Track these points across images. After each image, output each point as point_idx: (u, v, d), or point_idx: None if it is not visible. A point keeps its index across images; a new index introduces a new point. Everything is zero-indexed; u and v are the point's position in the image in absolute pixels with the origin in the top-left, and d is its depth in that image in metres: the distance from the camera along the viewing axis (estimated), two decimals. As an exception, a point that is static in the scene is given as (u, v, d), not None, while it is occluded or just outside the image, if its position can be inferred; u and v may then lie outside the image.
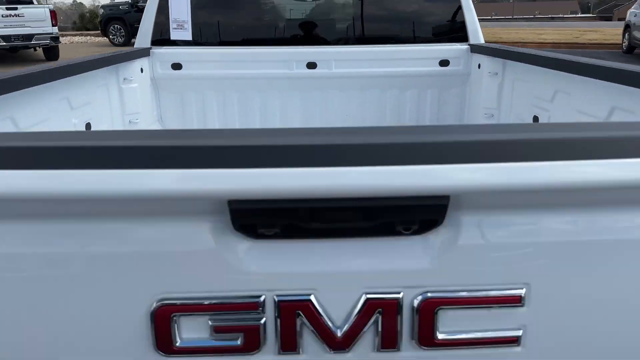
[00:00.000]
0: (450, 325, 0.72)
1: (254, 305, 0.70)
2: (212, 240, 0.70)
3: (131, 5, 19.31)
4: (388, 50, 2.75)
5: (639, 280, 0.70)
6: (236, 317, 0.70)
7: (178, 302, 0.69)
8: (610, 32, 20.79)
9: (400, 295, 0.70)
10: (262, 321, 0.71)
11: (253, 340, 0.71)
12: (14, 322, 0.68)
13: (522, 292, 0.70)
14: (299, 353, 0.73)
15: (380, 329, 0.72)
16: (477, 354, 0.73)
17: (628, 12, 15.35)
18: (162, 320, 0.70)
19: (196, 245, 0.71)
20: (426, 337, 0.72)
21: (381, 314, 0.71)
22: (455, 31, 2.86)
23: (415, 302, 0.71)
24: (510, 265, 0.71)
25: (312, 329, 0.72)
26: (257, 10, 3.19)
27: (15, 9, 13.39)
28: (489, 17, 58.13)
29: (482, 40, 2.83)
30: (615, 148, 0.71)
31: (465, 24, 2.80)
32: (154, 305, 0.70)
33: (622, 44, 15.65)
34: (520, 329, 0.73)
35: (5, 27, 13.20)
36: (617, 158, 0.67)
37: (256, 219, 0.67)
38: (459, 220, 0.72)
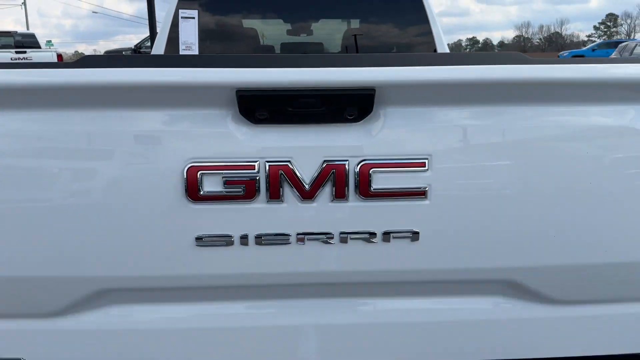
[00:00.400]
0: (380, 182, 1.06)
1: (252, 167, 1.05)
2: (226, 123, 1.06)
3: (134, 50, 20.06)
4: None
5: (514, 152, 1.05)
6: (240, 174, 1.04)
7: (202, 164, 1.04)
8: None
9: (347, 162, 1.06)
10: (257, 178, 1.05)
11: (251, 190, 1.05)
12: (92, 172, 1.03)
13: (426, 161, 1.06)
14: (281, 201, 1.07)
15: (334, 185, 1.07)
16: (398, 203, 1.08)
17: (607, 59, 16.20)
18: (191, 177, 1.04)
19: (216, 127, 1.06)
20: (364, 190, 1.06)
21: (334, 174, 1.06)
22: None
23: (357, 167, 1.06)
24: (419, 142, 1.07)
25: (290, 184, 1.06)
26: (253, 42, 3.67)
27: (24, 52, 14.06)
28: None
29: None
30: (494, 58, 1.11)
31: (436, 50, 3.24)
32: (187, 166, 1.04)
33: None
34: (426, 186, 1.08)
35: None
36: (500, 64, 1.05)
37: (254, 104, 1.02)
38: (385, 111, 1.08)
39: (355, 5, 3.37)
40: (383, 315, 1.17)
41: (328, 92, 1.01)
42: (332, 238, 1.07)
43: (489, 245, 1.10)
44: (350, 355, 1.18)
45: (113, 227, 1.06)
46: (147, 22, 10.03)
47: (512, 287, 1.14)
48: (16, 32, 16.63)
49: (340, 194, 1.06)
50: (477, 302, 1.16)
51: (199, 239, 1.06)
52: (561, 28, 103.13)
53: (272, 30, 4.03)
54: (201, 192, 1.04)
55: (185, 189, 1.04)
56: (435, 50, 3.16)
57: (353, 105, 1.03)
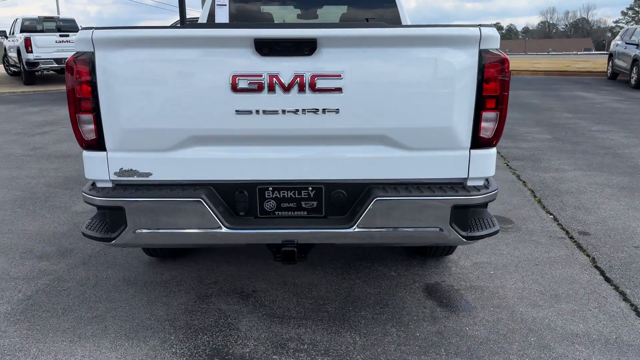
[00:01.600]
0: (320, 84, 2.17)
1: (260, 76, 2.19)
2: (250, 55, 2.18)
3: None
4: None
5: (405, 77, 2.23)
6: (256, 80, 2.18)
7: (239, 74, 2.20)
8: (600, 61, 22.28)
9: (304, 74, 2.20)
10: (263, 82, 2.20)
11: (260, 87, 2.16)
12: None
13: (342, 73, 2.22)
14: (274, 93, 2.21)
15: (299, 86, 2.19)
16: (329, 94, 2.23)
17: (612, 43, 16.92)
18: (233, 80, 2.21)
19: (245, 57, 2.19)
20: (313, 88, 2.18)
21: (299, 80, 2.20)
22: None
23: (309, 77, 2.20)
24: (339, 65, 2.18)
25: (278, 85, 2.16)
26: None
27: (67, 35, 15.45)
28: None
29: None
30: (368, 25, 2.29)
31: None
32: (231, 74, 2.22)
33: (607, 72, 17.16)
34: (341, 86, 2.22)
35: (58, 51, 15.24)
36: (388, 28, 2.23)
37: (262, 45, 2.16)
38: (322, 50, 2.19)
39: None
40: (321, 152, 2.36)
41: (296, 39, 2.19)
42: (298, 111, 2.26)
43: (374, 117, 2.28)
44: (306, 169, 2.36)
45: (198, 105, 2.27)
46: (169, 9, 11.17)
47: (385, 140, 2.32)
48: (58, 17, 18.10)
49: (302, 90, 2.24)
50: (368, 147, 2.35)
51: (237, 111, 2.26)
52: (587, 14, 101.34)
53: (285, 14, 5.20)
54: (237, 88, 2.24)
55: (231, 86, 2.24)
56: None
57: (307, 47, 2.21)
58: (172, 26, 3.09)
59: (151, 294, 3.04)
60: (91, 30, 2.23)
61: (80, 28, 18.94)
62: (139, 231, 2.35)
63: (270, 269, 3.32)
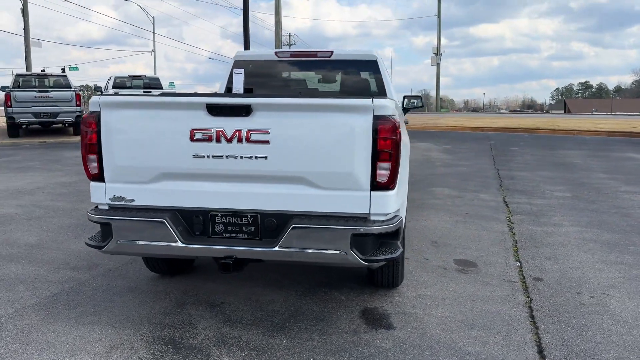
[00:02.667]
0: (253, 137, 2.93)
1: (210, 130, 3.03)
2: (204, 114, 2.99)
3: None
4: None
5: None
6: (207, 133, 3.03)
7: (196, 129, 3.03)
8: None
9: (242, 130, 2.96)
10: (211, 134, 3.01)
11: (210, 138, 3.00)
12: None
13: (269, 129, 2.94)
14: (220, 142, 3.00)
15: (238, 138, 2.93)
16: (259, 145, 2.94)
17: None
18: (191, 133, 3.05)
19: (200, 116, 3.00)
20: (248, 140, 2.92)
21: (238, 134, 2.97)
22: None
23: (245, 132, 2.97)
24: (266, 123, 2.91)
25: (223, 137, 2.95)
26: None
27: (150, 92, 17.51)
28: (589, 113, 58.23)
29: None
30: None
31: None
32: (191, 128, 3.04)
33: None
34: (268, 139, 2.94)
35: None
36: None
37: (211, 109, 2.98)
38: (256, 113, 2.94)
39: (339, 67, 5.38)
40: (255, 188, 3.07)
41: (236, 105, 2.98)
42: (237, 157, 3.01)
43: (293, 163, 2.99)
44: (245, 201, 3.07)
45: (168, 150, 3.08)
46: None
47: (304, 180, 3.01)
48: (145, 75, 20.50)
49: (240, 141, 3.00)
50: (291, 186, 3.03)
51: (194, 155, 3.06)
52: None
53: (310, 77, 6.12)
54: (194, 138, 3.04)
55: (189, 137, 3.05)
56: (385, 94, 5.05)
57: (244, 110, 2.98)
58: (149, 94, 4.01)
59: (143, 298, 3.83)
60: (99, 97, 3.17)
61: (165, 85, 21.07)
62: (121, 242, 3.17)
63: (244, 288, 4.01)
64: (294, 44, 77.54)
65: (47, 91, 16.54)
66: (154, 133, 3.11)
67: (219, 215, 3.15)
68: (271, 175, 3.04)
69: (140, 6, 57.72)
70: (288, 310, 3.62)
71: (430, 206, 7.12)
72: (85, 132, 3.18)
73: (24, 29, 34.78)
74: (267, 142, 2.98)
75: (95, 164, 3.21)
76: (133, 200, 3.21)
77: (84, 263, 4.63)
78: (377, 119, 2.90)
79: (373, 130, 2.90)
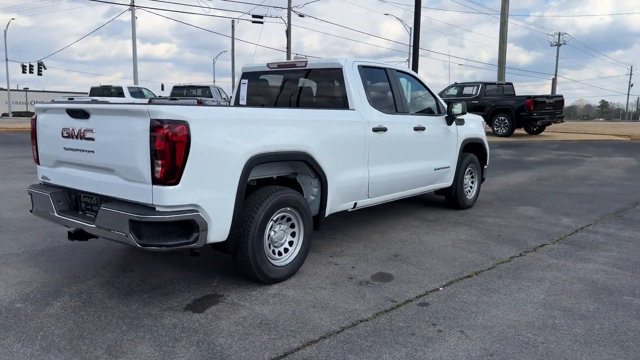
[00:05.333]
0: (86, 135, 3.68)
1: (69, 129, 3.89)
2: (69, 117, 3.94)
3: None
4: None
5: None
6: (68, 130, 3.90)
7: (64, 127, 3.92)
8: None
9: (80, 128, 3.72)
10: (69, 130, 3.86)
11: (69, 134, 3.90)
12: None
13: (93, 135, 3.64)
14: (74, 138, 3.86)
15: (81, 136, 3.77)
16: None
17: None
18: (62, 131, 3.97)
19: (65, 119, 3.95)
20: (84, 136, 3.72)
21: (81, 134, 3.76)
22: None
23: (83, 132, 3.72)
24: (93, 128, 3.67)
25: (74, 133, 3.84)
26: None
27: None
28: None
29: None
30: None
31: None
32: (61, 128, 3.97)
33: None
34: (93, 149, 3.65)
35: None
36: None
37: (70, 112, 3.84)
38: (92, 116, 3.70)
39: (313, 76, 5.56)
40: (93, 176, 3.80)
41: (79, 110, 3.73)
42: (80, 150, 3.80)
43: (108, 157, 3.63)
44: (91, 185, 3.82)
45: (56, 144, 4.08)
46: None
47: (114, 172, 3.61)
48: (112, 86, 26.13)
49: (82, 138, 3.80)
50: (110, 176, 3.66)
51: (64, 148, 3.98)
52: None
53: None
54: (64, 135, 3.97)
55: (61, 134, 3.99)
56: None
57: (83, 114, 3.72)
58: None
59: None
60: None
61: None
62: (37, 208, 4.31)
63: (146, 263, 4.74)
64: (564, 43, 70.79)
65: None
66: (52, 130, 4.14)
67: (82, 195, 4.01)
68: (98, 166, 3.74)
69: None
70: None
71: (462, 223, 6.49)
72: (31, 128, 4.42)
73: (287, 47, 40.98)
74: (93, 139, 3.70)
75: (35, 153, 4.42)
76: (49, 180, 4.30)
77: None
78: (153, 122, 3.33)
79: (150, 132, 3.34)
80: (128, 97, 24.46)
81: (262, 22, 40.54)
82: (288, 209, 4.21)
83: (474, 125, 7.27)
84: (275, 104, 5.92)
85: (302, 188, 4.61)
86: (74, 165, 3.97)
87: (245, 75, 6.09)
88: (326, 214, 4.69)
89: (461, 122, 6.82)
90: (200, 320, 3.52)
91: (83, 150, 3.79)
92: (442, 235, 5.86)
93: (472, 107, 19.77)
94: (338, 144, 4.67)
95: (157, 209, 3.41)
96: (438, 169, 6.36)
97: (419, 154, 5.93)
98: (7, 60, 46.58)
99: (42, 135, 4.23)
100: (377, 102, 5.38)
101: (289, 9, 40.34)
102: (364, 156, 5.02)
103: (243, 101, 6.11)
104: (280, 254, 4.27)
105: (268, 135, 3.97)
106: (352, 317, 3.59)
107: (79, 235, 4.05)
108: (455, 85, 22.67)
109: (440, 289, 4.16)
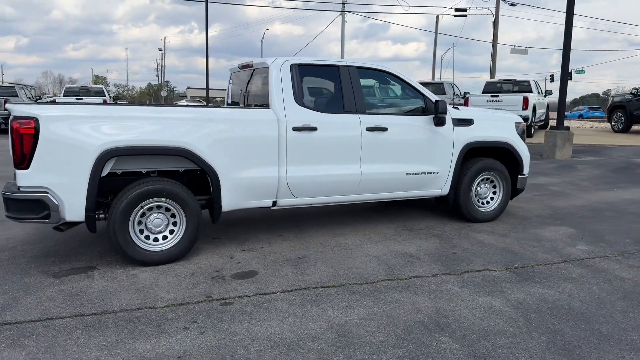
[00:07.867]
0: None
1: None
2: None
3: (634, 95, 19.54)
4: None
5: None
6: None
7: None
8: None
9: None
10: None
11: None
12: None
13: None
14: None
15: None
16: None
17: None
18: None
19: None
20: None
21: None
22: None
23: None
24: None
25: None
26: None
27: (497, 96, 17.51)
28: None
29: None
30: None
31: None
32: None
33: None
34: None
35: None
36: None
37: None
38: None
39: (258, 75, 5.66)
40: None
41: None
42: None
43: None
44: None
45: None
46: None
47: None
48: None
49: None
50: None
51: None
52: None
53: None
54: None
55: None
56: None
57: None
58: None
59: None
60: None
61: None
62: None
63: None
64: None
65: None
66: None
67: None
68: None
69: None
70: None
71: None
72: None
73: (492, 40, 38.90)
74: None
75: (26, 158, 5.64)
76: None
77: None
78: (12, 119, 4.13)
79: (10, 126, 4.15)
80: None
81: (465, 16, 39.56)
82: (163, 199, 4.55)
83: (493, 127, 6.32)
84: (242, 101, 6.22)
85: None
86: None
87: (230, 75, 6.53)
88: (225, 209, 4.86)
89: (466, 122, 6.05)
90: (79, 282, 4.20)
91: None
92: (383, 245, 5.42)
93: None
94: (236, 141, 4.79)
95: (20, 187, 4.18)
96: (415, 174, 5.77)
97: (377, 156, 5.53)
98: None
99: None
100: (312, 102, 5.28)
101: (498, -1, 37.97)
102: (276, 155, 4.99)
103: (229, 99, 6.56)
104: (156, 240, 4.64)
105: (131, 130, 4.37)
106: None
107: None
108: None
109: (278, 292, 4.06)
